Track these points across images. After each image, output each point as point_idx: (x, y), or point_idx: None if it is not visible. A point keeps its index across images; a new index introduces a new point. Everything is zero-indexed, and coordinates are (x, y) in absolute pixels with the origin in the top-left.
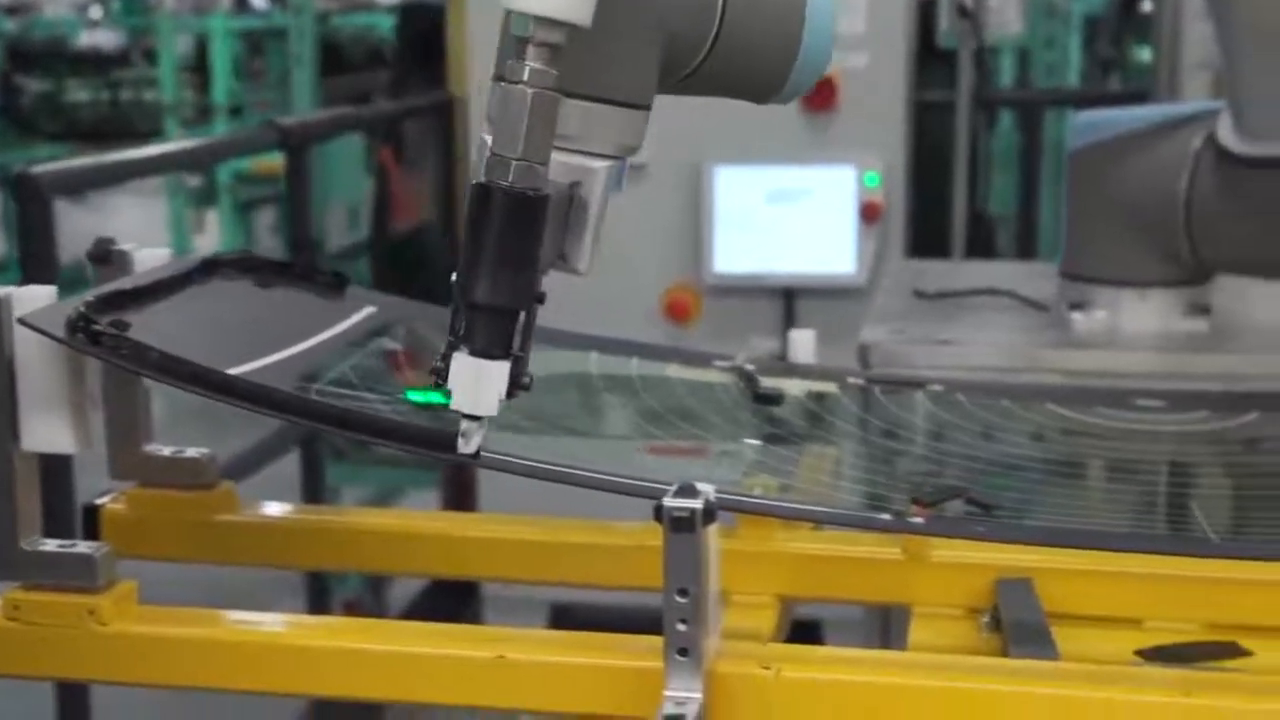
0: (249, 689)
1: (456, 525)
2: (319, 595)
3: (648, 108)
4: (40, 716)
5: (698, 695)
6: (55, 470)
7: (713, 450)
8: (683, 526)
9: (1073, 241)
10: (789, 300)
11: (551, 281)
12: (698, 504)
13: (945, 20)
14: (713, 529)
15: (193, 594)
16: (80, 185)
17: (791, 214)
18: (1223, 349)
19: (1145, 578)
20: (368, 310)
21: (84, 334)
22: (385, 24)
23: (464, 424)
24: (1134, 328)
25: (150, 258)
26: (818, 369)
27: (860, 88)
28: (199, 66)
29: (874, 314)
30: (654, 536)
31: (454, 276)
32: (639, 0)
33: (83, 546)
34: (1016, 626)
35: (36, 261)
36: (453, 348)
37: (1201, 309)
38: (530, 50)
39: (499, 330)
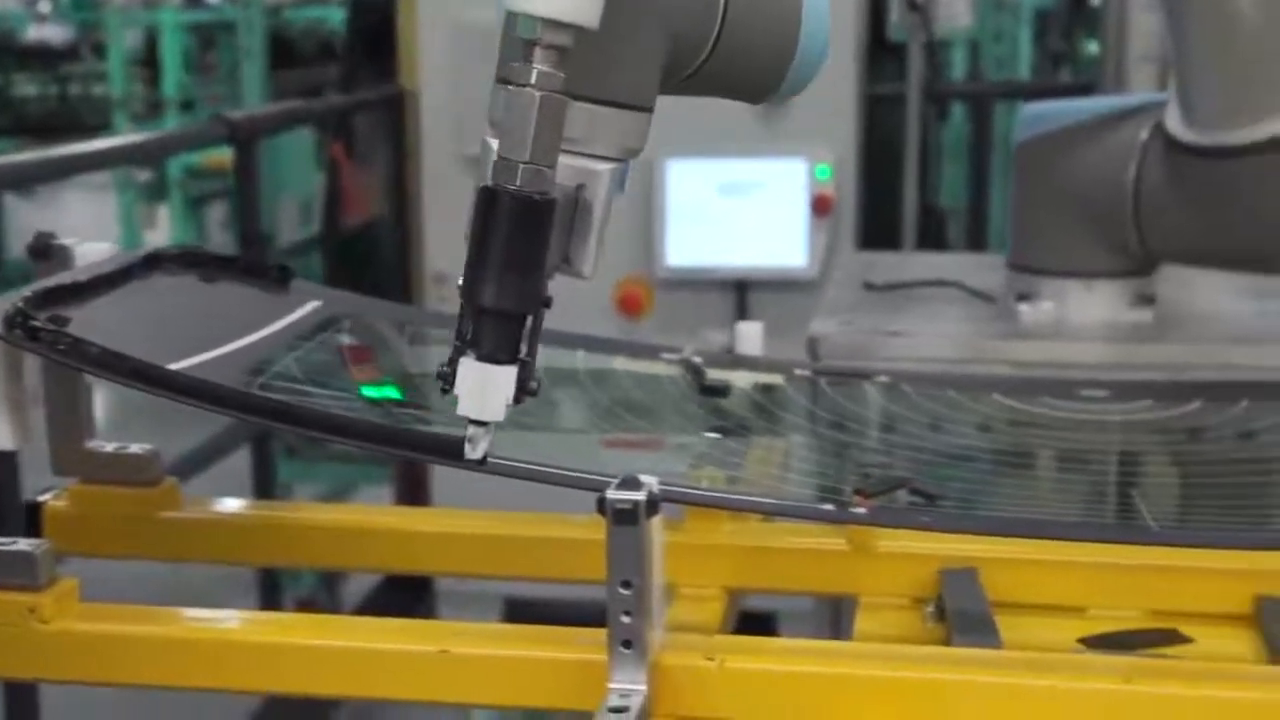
0: (190, 685)
1: (408, 520)
2: (271, 593)
3: (651, 109)
4: None
5: (642, 687)
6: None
7: (668, 443)
8: (625, 519)
9: (1019, 233)
10: (741, 293)
11: None
12: (640, 496)
13: (895, 14)
14: (656, 521)
15: (146, 595)
16: (27, 180)
17: (743, 207)
18: (1167, 339)
19: (1088, 566)
20: (313, 304)
21: (22, 330)
22: (336, 17)
23: (470, 429)
24: (1080, 318)
25: (91, 252)
26: (765, 361)
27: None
28: (149, 60)
29: (823, 306)
30: None
31: (460, 281)
32: (644, 2)
33: (23, 544)
34: (960, 616)
35: None
36: (459, 352)
37: (1146, 299)
38: (537, 53)
39: (506, 335)
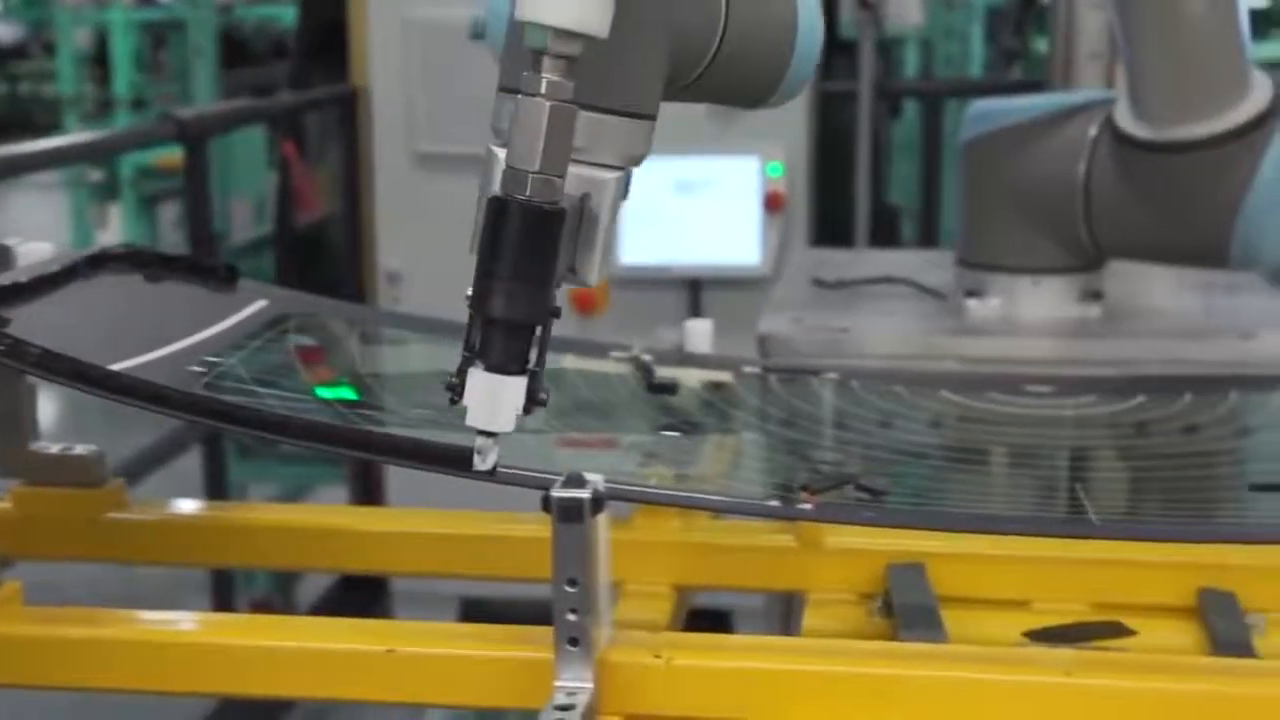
0: (133, 688)
1: (363, 520)
2: (224, 595)
3: (655, 117)
4: None
5: (588, 685)
6: None
7: (623, 443)
8: (570, 516)
9: (968, 230)
10: (695, 291)
11: (457, 270)
12: (585, 494)
13: (846, 11)
14: (602, 518)
15: (98, 600)
16: None
17: (696, 205)
18: (1115, 334)
19: (1033, 560)
20: (260, 304)
21: None
22: (289, 15)
23: (479, 440)
24: (1028, 314)
25: (34, 252)
26: (714, 359)
27: None
28: (100, 59)
29: (773, 303)
30: None
31: (468, 291)
32: (650, 11)
33: None
34: (907, 610)
35: None
36: (468, 363)
37: (1094, 295)
38: (546, 62)
39: (516, 345)
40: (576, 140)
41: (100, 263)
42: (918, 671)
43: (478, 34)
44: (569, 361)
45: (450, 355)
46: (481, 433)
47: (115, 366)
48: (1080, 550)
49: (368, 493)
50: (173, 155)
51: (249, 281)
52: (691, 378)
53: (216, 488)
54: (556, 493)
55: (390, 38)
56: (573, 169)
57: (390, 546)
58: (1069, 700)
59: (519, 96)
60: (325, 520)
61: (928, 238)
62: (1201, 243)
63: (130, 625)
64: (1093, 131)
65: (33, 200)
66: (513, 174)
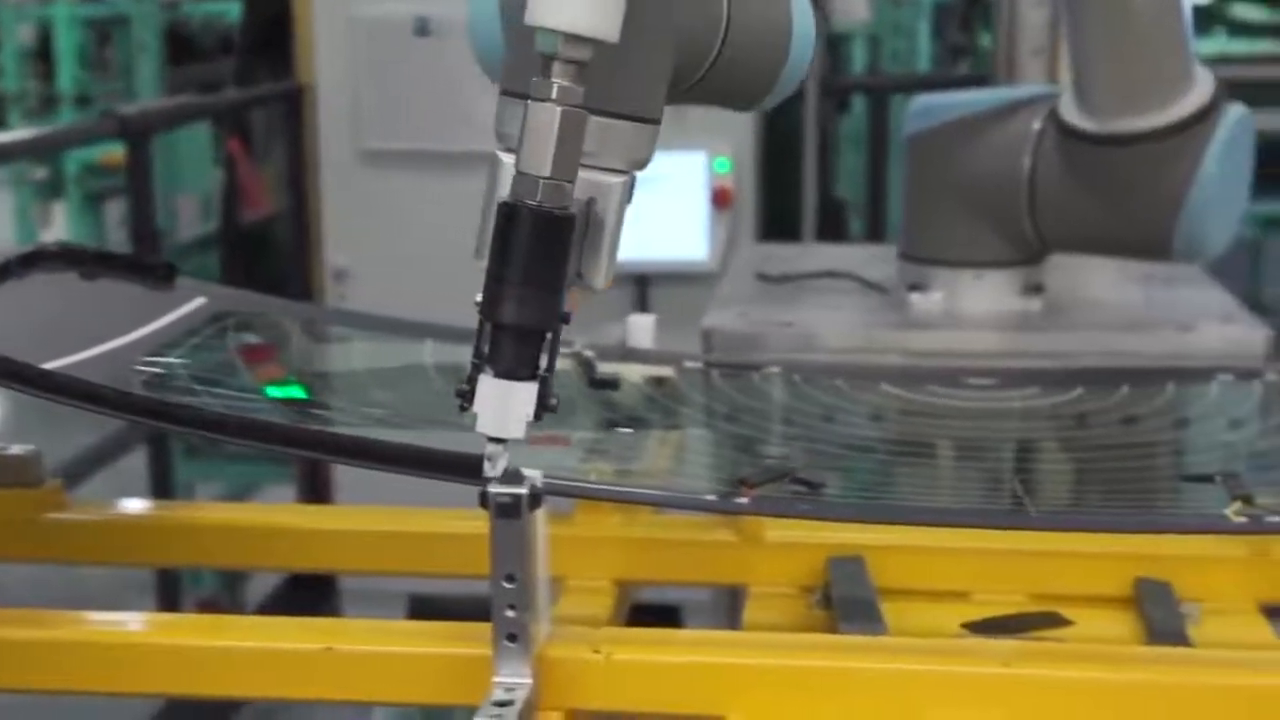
0: (68, 689)
1: (310, 518)
2: (169, 595)
3: (659, 121)
4: None
5: (527, 680)
6: None
7: (573, 439)
8: (508, 512)
9: (911, 224)
10: (642, 287)
11: (404, 268)
12: (522, 490)
13: None
14: (540, 514)
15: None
16: None
17: (643, 200)
18: (1056, 327)
19: (972, 552)
20: (198, 301)
21: None
22: (236, 11)
23: (489, 447)
24: (970, 308)
25: None
26: (656, 354)
27: None
28: (43, 55)
29: (718, 298)
30: None
31: (477, 297)
32: (656, 15)
33: None
34: (846, 603)
35: None
36: (477, 369)
37: (1036, 288)
38: (556, 67)
39: (526, 351)
40: (585, 145)
41: (34, 261)
42: (855, 664)
43: (422, 30)
44: None
45: (394, 352)
46: (491, 439)
47: (50, 365)
48: (1019, 542)
49: (315, 491)
50: (118, 152)
51: (187, 279)
52: (634, 373)
53: (162, 487)
54: (493, 489)
55: (336, 34)
56: (581, 173)
57: (337, 545)
58: (1006, 691)
59: (529, 102)
60: (272, 519)
61: (875, 232)
62: (1145, 235)
63: (69, 626)
64: (1037, 125)
65: None
66: (523, 179)
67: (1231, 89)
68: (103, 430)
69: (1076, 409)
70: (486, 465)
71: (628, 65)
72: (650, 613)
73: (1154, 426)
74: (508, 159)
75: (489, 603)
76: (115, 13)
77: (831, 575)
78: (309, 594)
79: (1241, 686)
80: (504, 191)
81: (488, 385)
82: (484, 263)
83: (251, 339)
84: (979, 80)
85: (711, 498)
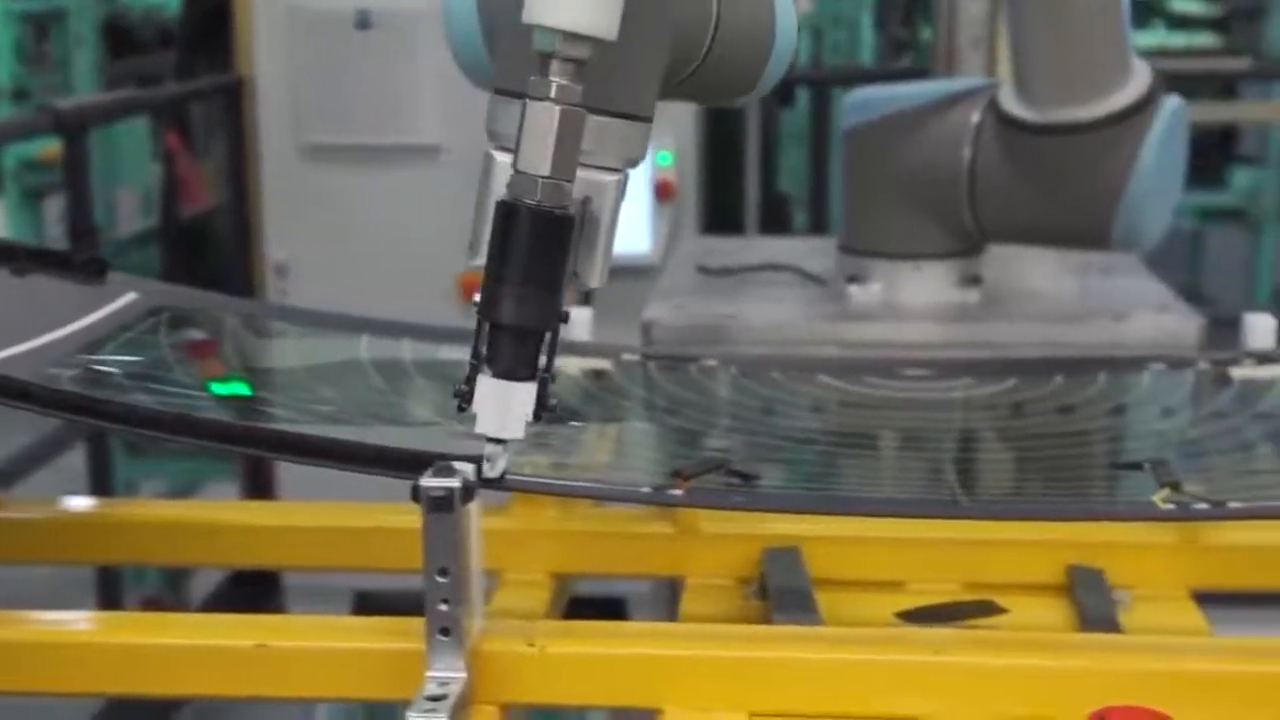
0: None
1: (253, 514)
2: (111, 593)
3: (651, 119)
4: None
5: (461, 674)
6: None
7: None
8: (441, 506)
9: (850, 217)
10: None
11: (346, 262)
12: (454, 483)
13: None
14: (473, 508)
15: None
16: None
17: None
18: (993, 318)
19: (908, 542)
20: (129, 297)
21: None
22: (175, 3)
23: (488, 447)
24: (909, 299)
25: None
26: (594, 346)
27: None
28: None
29: (659, 291)
30: None
31: (476, 297)
32: (650, 14)
33: None
34: (781, 594)
35: None
36: (476, 370)
37: (973, 279)
38: (555, 66)
39: (525, 351)
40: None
41: None
42: (788, 653)
43: (363, 23)
44: (446, 352)
45: (332, 347)
46: (490, 439)
47: None
48: (954, 530)
49: (258, 488)
50: (56, 148)
51: (119, 274)
52: (572, 366)
53: (102, 485)
54: (425, 482)
55: (275, 26)
56: (578, 172)
57: (280, 541)
58: (938, 678)
59: (527, 101)
60: (214, 515)
61: (818, 225)
62: (1084, 225)
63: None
64: (976, 117)
65: None
66: (522, 178)
67: (1169, 81)
68: (40, 428)
69: (1011, 399)
70: (485, 466)
71: (624, 63)
72: (595, 606)
73: (1088, 415)
74: (502, 158)
75: None
76: (52, 6)
77: (767, 566)
78: (253, 591)
79: (1170, 672)
80: (499, 190)
81: (487, 385)
82: (476, 262)
83: (197, 335)
84: (920, 73)
85: (646, 490)
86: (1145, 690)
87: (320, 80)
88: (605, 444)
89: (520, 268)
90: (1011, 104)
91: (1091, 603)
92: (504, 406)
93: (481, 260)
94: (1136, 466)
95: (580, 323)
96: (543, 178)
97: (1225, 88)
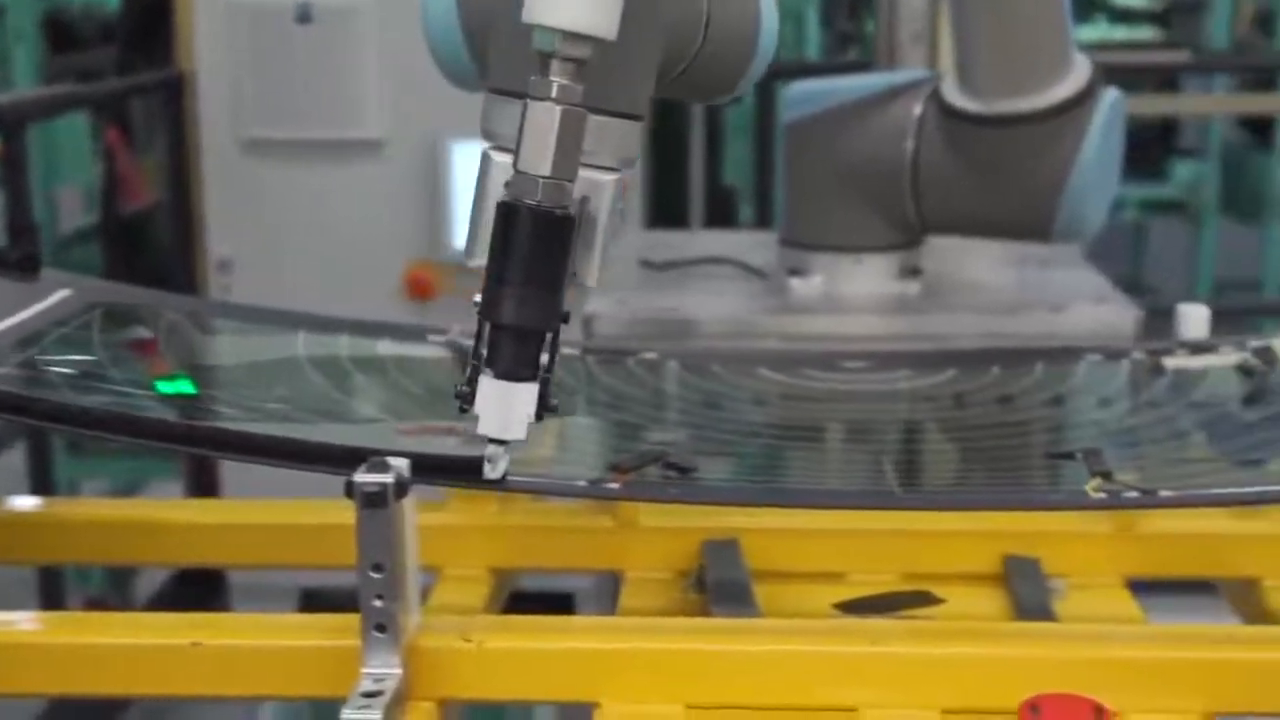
0: None
1: (197, 512)
2: (53, 593)
3: (645, 118)
4: None
5: (397, 671)
6: None
7: (465, 429)
8: (374, 502)
9: (791, 210)
10: None
11: (289, 257)
12: (388, 479)
13: None
14: (407, 503)
15: None
16: None
17: None
18: (933, 309)
19: (846, 533)
20: (62, 294)
21: None
22: None
23: (490, 449)
24: (849, 291)
25: None
26: None
27: None
28: None
29: (601, 285)
30: None
31: (476, 298)
32: (646, 13)
33: None
34: (719, 586)
35: None
36: (477, 371)
37: (914, 271)
38: (555, 65)
39: (527, 351)
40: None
41: None
42: (724, 646)
43: (304, 17)
44: (384, 347)
45: (274, 344)
46: (493, 441)
47: None
48: (892, 522)
49: (203, 487)
50: None
51: (52, 271)
52: None
53: (43, 485)
54: (359, 478)
55: (216, 20)
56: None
57: (225, 539)
58: (874, 668)
59: (528, 101)
60: (157, 514)
61: (763, 219)
62: (1027, 216)
63: None
64: (918, 110)
65: None
66: (523, 179)
67: (1111, 75)
68: None
69: (950, 390)
70: (487, 467)
71: (621, 62)
72: (542, 601)
73: (1026, 406)
74: (499, 157)
75: None
76: None
77: (706, 559)
78: (198, 590)
79: (1102, 659)
80: (496, 190)
81: (489, 387)
82: (474, 262)
83: (137, 333)
84: (865, 67)
85: (582, 483)
86: (1078, 678)
87: (261, 75)
88: (547, 439)
89: (521, 268)
90: (954, 95)
91: (1026, 592)
92: (506, 407)
93: (478, 261)
94: (1069, 456)
95: None
96: (544, 178)
97: (1166, 81)
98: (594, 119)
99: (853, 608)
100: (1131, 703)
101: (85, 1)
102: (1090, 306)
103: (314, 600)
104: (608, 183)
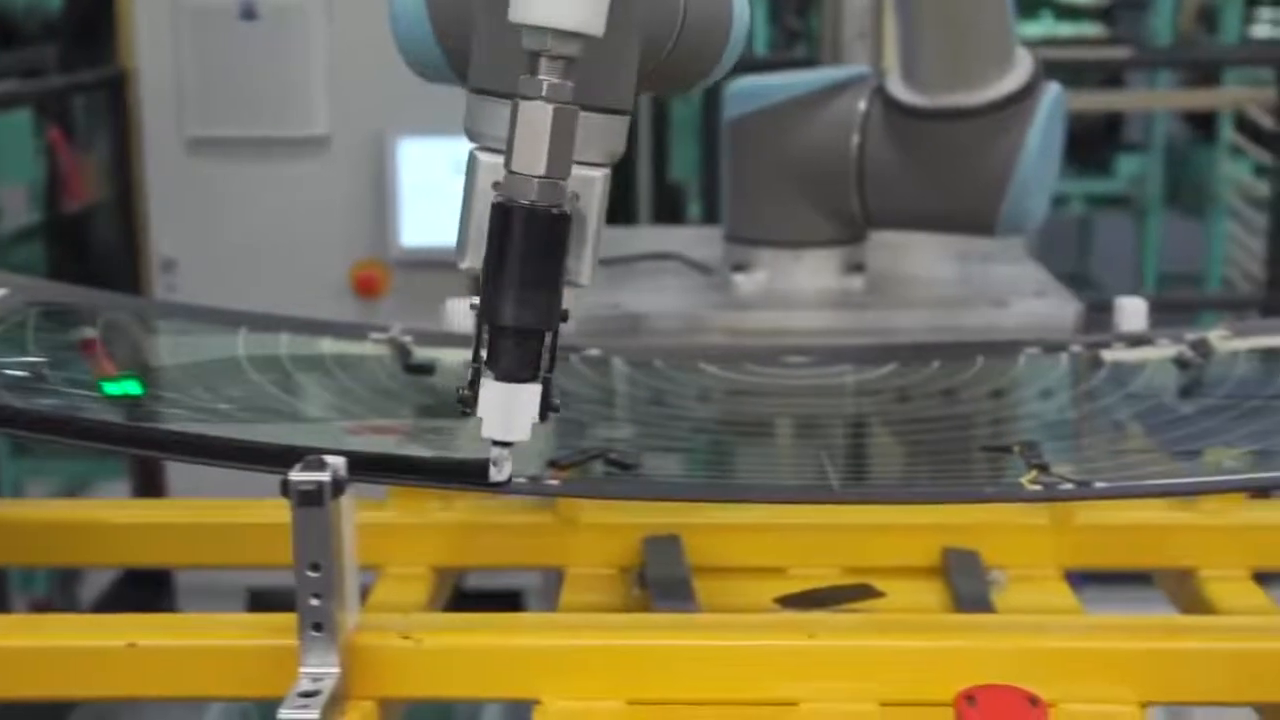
0: None
1: (142, 512)
2: None
3: (630, 113)
4: None
5: (334, 670)
6: None
7: (414, 428)
8: (310, 500)
9: (735, 206)
10: None
11: (234, 256)
12: (324, 477)
13: None
14: (345, 501)
15: None
16: None
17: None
18: (876, 304)
19: (786, 527)
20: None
21: None
22: None
23: (494, 451)
24: (793, 287)
25: None
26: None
27: None
28: None
29: None
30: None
31: (474, 301)
32: (627, 8)
33: None
34: (660, 582)
35: None
36: (478, 374)
37: (857, 267)
38: (544, 64)
39: (528, 353)
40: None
41: None
42: (664, 641)
43: (248, 14)
44: (326, 345)
45: (216, 343)
46: (496, 443)
47: None
48: (833, 516)
49: (149, 487)
50: None
51: None
52: (453, 358)
53: None
54: (295, 477)
55: (159, 17)
56: None
57: (170, 538)
58: (813, 662)
59: (519, 101)
60: (102, 514)
61: (711, 215)
62: (971, 210)
63: None
64: (862, 105)
65: None
66: (516, 179)
67: (1057, 70)
68: None
69: (892, 384)
70: (492, 469)
71: (607, 59)
72: (491, 598)
73: (967, 399)
74: (487, 158)
75: None
76: None
77: (647, 555)
78: (144, 592)
79: (1038, 650)
80: (485, 191)
81: (491, 389)
82: (465, 265)
83: (78, 332)
84: (809, 64)
85: (521, 480)
86: (1014, 669)
87: (205, 72)
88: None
89: (519, 269)
90: (900, 90)
91: (965, 584)
92: (509, 409)
93: (469, 263)
94: (1006, 450)
95: (460, 313)
96: (538, 177)
97: (1110, 76)
98: (582, 115)
99: (793, 602)
100: (1067, 693)
101: None
102: (1031, 301)
103: (261, 600)
104: (597, 179)
